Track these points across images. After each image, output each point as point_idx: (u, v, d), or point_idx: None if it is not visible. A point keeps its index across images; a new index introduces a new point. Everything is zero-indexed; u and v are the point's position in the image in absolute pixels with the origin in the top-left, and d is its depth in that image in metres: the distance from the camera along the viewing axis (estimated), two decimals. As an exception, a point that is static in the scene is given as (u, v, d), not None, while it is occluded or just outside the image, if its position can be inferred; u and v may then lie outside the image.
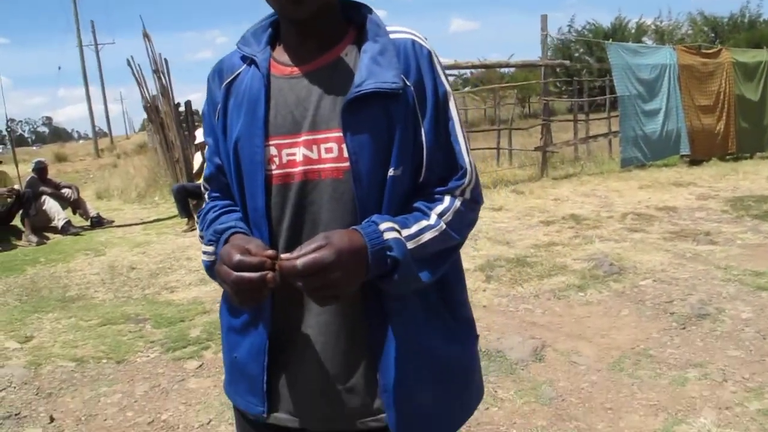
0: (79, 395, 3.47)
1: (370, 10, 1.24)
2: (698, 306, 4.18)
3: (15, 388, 3.59)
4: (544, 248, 5.97)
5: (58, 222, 8.73)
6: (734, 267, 5.02)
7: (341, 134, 1.12)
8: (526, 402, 3.09)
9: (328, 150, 1.14)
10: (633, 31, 31.96)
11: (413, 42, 1.20)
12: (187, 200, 8.63)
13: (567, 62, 13.55)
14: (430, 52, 1.20)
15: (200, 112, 7.73)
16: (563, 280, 4.96)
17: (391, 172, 1.13)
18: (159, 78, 10.20)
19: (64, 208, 9.08)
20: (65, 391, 3.52)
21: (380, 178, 1.13)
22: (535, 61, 12.05)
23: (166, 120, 10.37)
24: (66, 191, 9.43)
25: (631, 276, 4.96)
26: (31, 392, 3.53)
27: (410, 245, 1.10)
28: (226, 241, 1.16)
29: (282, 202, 1.17)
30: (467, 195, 1.21)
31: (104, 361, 3.95)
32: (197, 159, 9.02)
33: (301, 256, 1.00)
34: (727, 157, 12.10)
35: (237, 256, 1.03)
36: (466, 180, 1.20)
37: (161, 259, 6.69)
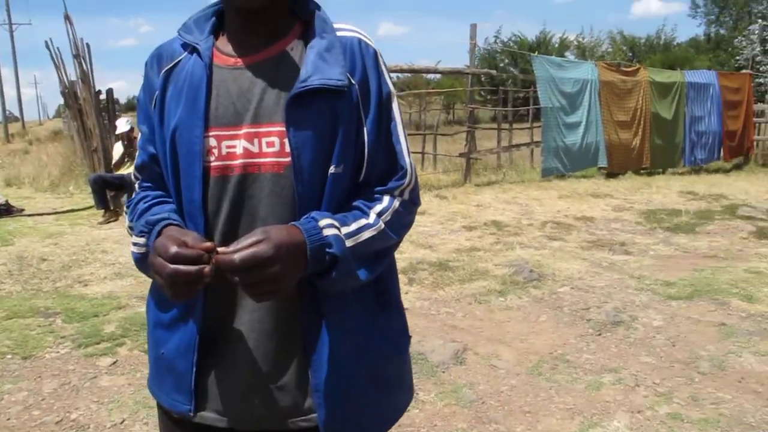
0: (-19, 391, 3.29)
1: (317, 6, 1.22)
2: (613, 313, 4.33)
3: None
4: (466, 253, 6.06)
5: (-37, 208, 8.27)
6: (647, 277, 5.24)
7: (284, 128, 1.10)
8: (447, 404, 3.12)
9: (270, 144, 1.12)
10: (557, 45, 33.00)
11: (359, 40, 1.19)
12: (104, 191, 8.32)
13: (493, 72, 13.80)
14: (375, 52, 1.20)
15: (121, 101, 7.48)
16: (484, 285, 5.04)
17: (332, 169, 1.12)
18: (80, 63, 9.81)
19: (-31, 194, 8.61)
20: (-34, 387, 3.33)
21: (321, 175, 1.12)
22: (463, 68, 12.24)
23: (85, 107, 9.97)
24: (-28, 176, 8.96)
25: (549, 283, 5.10)
26: (-72, 387, 3.32)
27: (349, 243, 1.09)
28: (159, 233, 1.11)
29: (219, 194, 1.14)
30: (406, 196, 1.21)
31: (9, 356, 3.75)
32: (117, 149, 8.72)
33: (239, 250, 0.97)
34: (642, 171, 12.64)
35: (173, 248, 0.99)
36: (406, 180, 1.20)
37: (75, 251, 6.41)
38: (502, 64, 32.37)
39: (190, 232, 1.08)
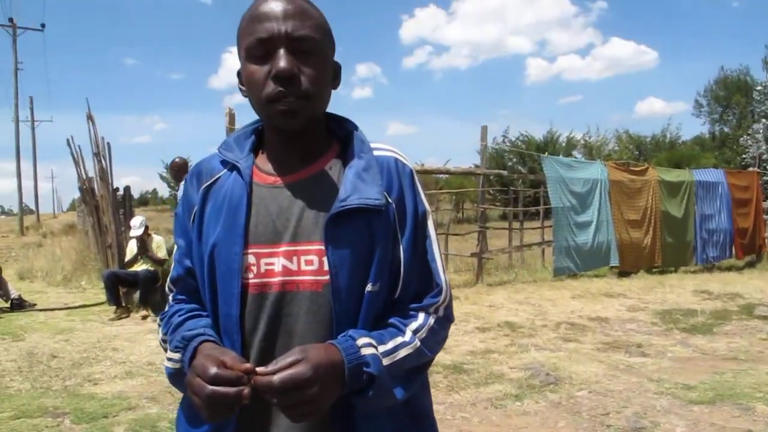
0: (-14, 497, 3.20)
1: (355, 126, 1.27)
2: (634, 419, 4.22)
3: None
4: (480, 355, 5.97)
5: (-24, 303, 8.29)
6: (666, 380, 5.12)
7: (323, 247, 1.12)
8: None
9: (309, 262, 1.14)
10: (564, 144, 33.62)
11: (396, 160, 1.22)
12: (117, 287, 8.36)
13: (504, 172, 14.06)
14: (411, 171, 1.23)
15: (135, 196, 7.61)
16: (500, 389, 4.94)
17: (369, 287, 1.13)
18: (99, 161, 10.04)
19: (-18, 288, 8.64)
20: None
21: (358, 293, 1.13)
22: (475, 169, 12.47)
23: (102, 203, 10.14)
24: (-13, 271, 9.02)
25: (567, 386, 4.99)
26: (-69, 492, 3.23)
27: (386, 361, 1.09)
28: (195, 349, 1.12)
29: (257, 311, 1.15)
30: (441, 312, 1.22)
31: (16, 459, 3.66)
32: (131, 246, 8.80)
33: (278, 371, 0.97)
34: (654, 269, 12.57)
35: (213, 369, 0.99)
36: (441, 298, 1.21)
37: (85, 348, 6.37)
38: (510, 163, 32.91)
39: (228, 351, 1.08)
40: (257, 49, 1.14)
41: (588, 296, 9.61)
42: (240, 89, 1.22)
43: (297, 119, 1.14)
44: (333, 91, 1.25)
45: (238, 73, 1.22)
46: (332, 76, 1.24)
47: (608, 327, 7.38)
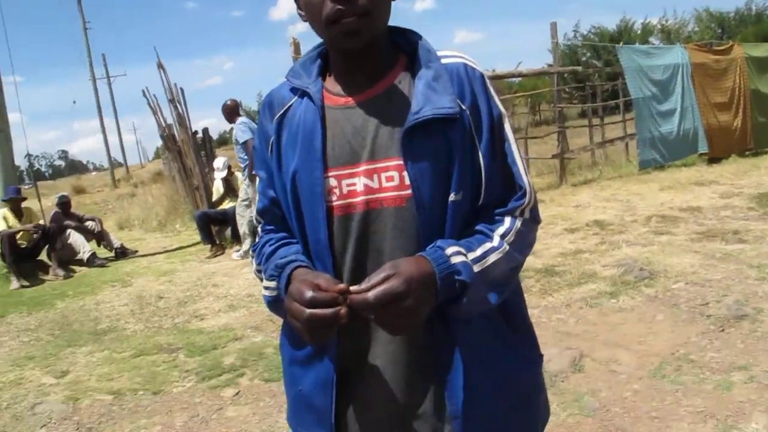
0: (119, 429, 3.48)
1: (419, 36, 1.24)
2: (735, 307, 4.13)
3: (55, 423, 3.61)
4: (571, 256, 5.93)
5: (84, 254, 8.82)
6: (767, 265, 4.96)
7: (401, 162, 1.12)
8: (570, 414, 3.06)
9: (389, 179, 1.14)
10: (639, 32, 31.91)
11: (465, 65, 1.19)
12: (209, 227, 8.69)
13: (579, 68, 13.51)
14: (482, 75, 1.20)
15: (213, 137, 7.78)
16: (594, 288, 4.92)
17: (452, 197, 1.13)
18: (175, 107, 10.28)
19: (88, 240, 9.16)
20: (105, 426, 3.53)
21: (441, 204, 1.13)
22: (547, 69, 12.05)
23: (183, 148, 10.44)
24: (90, 224, 9.54)
25: (662, 280, 4.91)
26: (71, 428, 3.54)
27: (477, 268, 1.10)
28: (290, 275, 1.16)
29: (344, 233, 1.17)
30: (527, 215, 1.21)
31: (141, 392, 3.95)
32: (216, 186, 9.09)
33: (372, 288, 1.00)
34: (746, 153, 12.00)
35: (309, 293, 1.03)
36: (526, 200, 1.20)
37: (188, 287, 6.71)
38: (584, 58, 31.59)
39: (322, 274, 1.11)
40: None
41: (677, 187, 9.30)
42: (299, 14, 1.21)
43: (359, 39, 1.12)
44: (392, 3, 1.22)
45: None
46: None
47: (701, 216, 7.15)
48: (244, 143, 7.57)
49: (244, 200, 7.90)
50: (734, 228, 6.34)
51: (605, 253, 5.91)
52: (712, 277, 4.85)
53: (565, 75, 16.65)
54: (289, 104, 1.25)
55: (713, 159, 11.46)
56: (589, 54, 31.80)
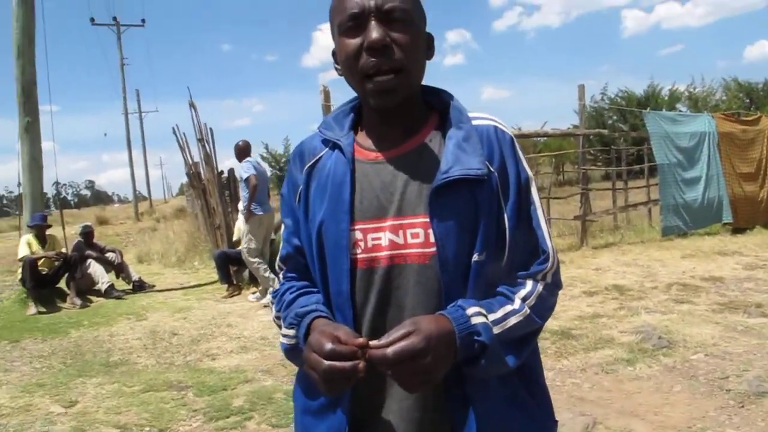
0: (124, 465, 3.45)
1: (451, 96, 1.27)
2: (756, 383, 4.03)
3: (60, 455, 3.59)
4: (588, 320, 5.86)
5: (102, 285, 8.89)
6: (790, 342, 4.86)
7: (428, 219, 1.14)
8: (582, 483, 2.98)
9: (414, 235, 1.16)
10: (666, 98, 31.95)
11: (495, 128, 1.22)
12: (228, 266, 8.72)
13: (605, 131, 13.55)
14: (512, 138, 1.22)
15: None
16: (610, 354, 4.84)
17: (475, 257, 1.14)
18: (203, 146, 10.46)
19: (107, 271, 9.25)
20: (110, 461, 3.50)
21: (465, 263, 1.14)
22: (574, 131, 12.10)
23: (208, 186, 10.57)
24: (110, 255, 9.63)
25: (681, 350, 4.83)
26: (77, 461, 3.52)
27: (496, 330, 1.10)
28: (309, 325, 1.16)
29: (367, 286, 1.18)
30: (549, 279, 1.21)
31: (147, 429, 3.93)
32: (238, 226, 9.15)
33: (391, 344, 1.00)
34: (772, 225, 11.86)
35: (329, 345, 1.03)
36: (549, 264, 1.20)
37: (202, 326, 6.72)
38: (610, 121, 31.67)
39: (342, 326, 1.12)
40: (349, 23, 1.15)
41: (700, 255, 9.20)
42: (335, 69, 1.24)
43: (394, 96, 1.15)
44: (427, 61, 1.25)
45: (333, 53, 1.24)
46: (425, 46, 1.24)
47: (723, 287, 7.06)
48: (246, 179, 7.71)
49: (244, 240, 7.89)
50: (757, 301, 6.23)
51: (623, 319, 5.83)
52: (732, 350, 4.76)
53: (591, 137, 16.72)
54: (320, 155, 1.28)
55: (737, 229, 11.35)
56: (615, 117, 31.88)
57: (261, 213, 7.84)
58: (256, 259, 7.74)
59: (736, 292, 6.78)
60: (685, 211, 10.85)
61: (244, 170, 7.83)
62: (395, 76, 1.13)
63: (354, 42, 1.15)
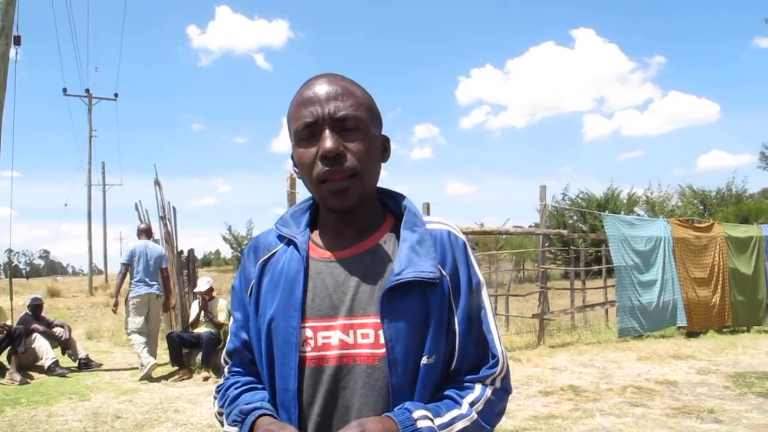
0: None
1: (407, 200, 1.30)
2: (707, 493, 4.00)
3: None
4: (543, 420, 5.80)
5: (46, 361, 8.52)
6: (741, 451, 4.86)
7: (378, 320, 1.14)
8: None
9: (365, 335, 1.16)
10: (625, 201, 32.90)
11: (449, 233, 1.24)
12: (180, 349, 8.50)
13: (565, 231, 13.83)
14: (465, 243, 1.25)
15: (198, 257, 7.82)
16: (565, 456, 4.77)
17: (424, 359, 1.14)
18: (165, 224, 10.37)
19: (53, 346, 8.89)
20: None
21: (414, 365, 1.14)
22: (534, 230, 12.34)
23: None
24: (58, 330, 9.29)
25: (634, 455, 4.78)
26: None
27: None
28: (253, 423, 1.14)
29: (314, 385, 1.17)
30: (498, 384, 1.21)
31: None
32: (194, 308, 8.99)
33: None
34: (724, 329, 12.07)
35: None
36: (498, 369, 1.21)
37: (148, 409, 6.46)
38: (570, 221, 32.40)
39: (287, 425, 1.10)
40: (305, 132, 1.20)
41: (655, 358, 9.27)
42: (294, 171, 1.28)
43: (347, 198, 1.18)
44: (383, 164, 1.29)
45: (292, 156, 1.28)
46: (381, 150, 1.28)
47: (677, 391, 7.08)
48: (123, 263, 8.73)
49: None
50: (710, 406, 6.26)
51: (578, 421, 5.78)
52: (685, 457, 4.73)
53: (551, 236, 17.04)
54: (275, 250, 1.29)
55: (691, 333, 11.51)
56: (575, 217, 32.64)
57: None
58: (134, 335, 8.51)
59: (689, 396, 6.81)
60: (641, 314, 11.00)
61: (126, 252, 8.98)
62: (348, 178, 1.16)
63: (309, 151, 1.19)
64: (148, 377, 8.10)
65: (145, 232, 9.21)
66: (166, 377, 8.32)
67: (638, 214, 29.50)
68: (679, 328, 11.63)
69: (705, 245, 12.07)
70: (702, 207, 34.77)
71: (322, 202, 1.24)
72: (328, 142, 1.16)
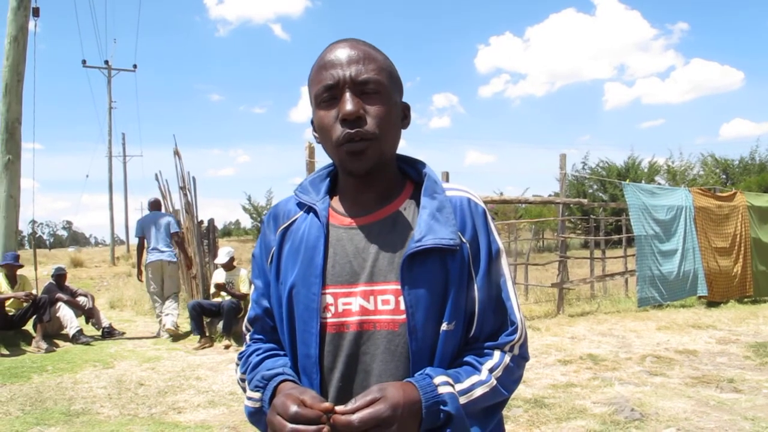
0: None
1: (427, 167, 1.29)
2: (726, 462, 4.00)
3: None
4: (562, 389, 5.81)
5: (70, 330, 8.68)
6: (762, 419, 4.84)
7: (399, 287, 1.14)
8: None
9: (385, 302, 1.16)
10: (646, 170, 32.56)
11: (469, 200, 1.23)
12: (201, 318, 8.60)
13: (584, 201, 13.73)
14: (484, 211, 1.24)
15: (219, 227, 7.89)
16: (583, 425, 4.79)
17: (444, 326, 1.14)
18: (185, 194, 10.44)
19: (77, 315, 9.04)
20: None
21: (434, 332, 1.14)
22: (554, 198, 12.27)
23: (187, 235, 10.50)
24: (81, 299, 9.44)
25: (653, 423, 4.79)
26: None
27: (463, 400, 1.10)
28: (275, 388, 1.15)
29: (335, 350, 1.17)
30: (516, 351, 1.21)
31: (105, 484, 3.79)
32: (215, 277, 9.07)
33: (357, 410, 0.99)
34: (745, 299, 11.98)
35: (293, 408, 1.02)
36: (517, 336, 1.20)
37: (170, 377, 6.57)
38: (590, 191, 32.15)
39: (308, 390, 1.10)
40: (325, 95, 1.19)
41: (674, 328, 9.23)
42: (314, 136, 1.27)
43: (365, 160, 1.17)
44: (403, 130, 1.28)
45: (312, 121, 1.27)
46: (401, 116, 1.27)
47: (697, 360, 7.06)
48: (137, 237, 9.51)
49: None
50: (730, 376, 6.24)
51: (597, 390, 5.79)
52: (704, 425, 4.73)
53: (571, 205, 16.94)
54: (295, 218, 1.29)
55: (712, 303, 11.44)
56: (595, 187, 32.39)
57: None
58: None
59: (709, 366, 6.79)
60: (661, 283, 10.94)
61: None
62: (366, 140, 1.15)
63: (329, 114, 1.18)
64: (169, 333, 9.01)
65: (154, 205, 9.81)
66: (189, 347, 8.42)
67: (659, 184, 29.16)
68: (699, 297, 11.57)
69: (727, 215, 11.94)
70: (724, 176, 34.32)
71: (341, 165, 1.23)
72: (349, 104, 1.15)
